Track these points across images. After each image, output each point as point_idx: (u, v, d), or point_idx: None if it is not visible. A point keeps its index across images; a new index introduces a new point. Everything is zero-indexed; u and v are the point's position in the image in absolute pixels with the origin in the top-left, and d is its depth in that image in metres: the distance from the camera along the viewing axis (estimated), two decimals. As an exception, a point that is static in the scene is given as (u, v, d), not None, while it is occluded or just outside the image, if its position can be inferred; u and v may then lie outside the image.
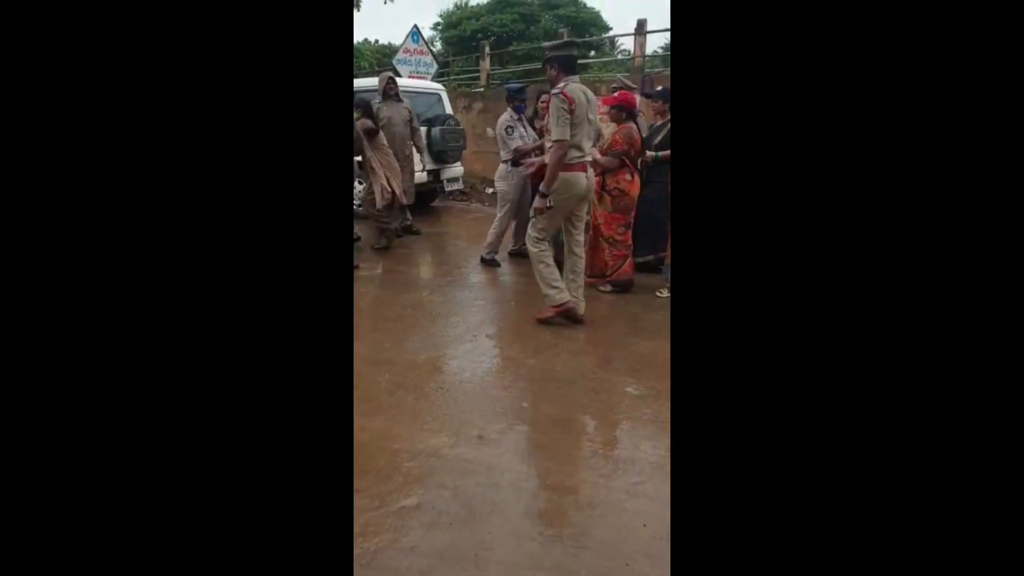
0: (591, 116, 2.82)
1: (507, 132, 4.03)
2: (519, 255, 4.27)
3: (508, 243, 4.47)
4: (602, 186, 3.50)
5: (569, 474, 1.82)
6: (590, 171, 2.95)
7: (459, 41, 20.15)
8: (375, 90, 4.84)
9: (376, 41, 20.97)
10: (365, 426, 2.04)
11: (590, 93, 2.85)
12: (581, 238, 3.08)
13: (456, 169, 6.10)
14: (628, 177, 3.46)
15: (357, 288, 3.67)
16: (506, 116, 4.09)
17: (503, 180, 4.11)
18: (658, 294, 3.57)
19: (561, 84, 2.75)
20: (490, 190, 7.64)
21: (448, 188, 6.12)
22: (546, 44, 3.30)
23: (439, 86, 6.46)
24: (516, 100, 4.06)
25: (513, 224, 4.33)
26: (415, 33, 6.94)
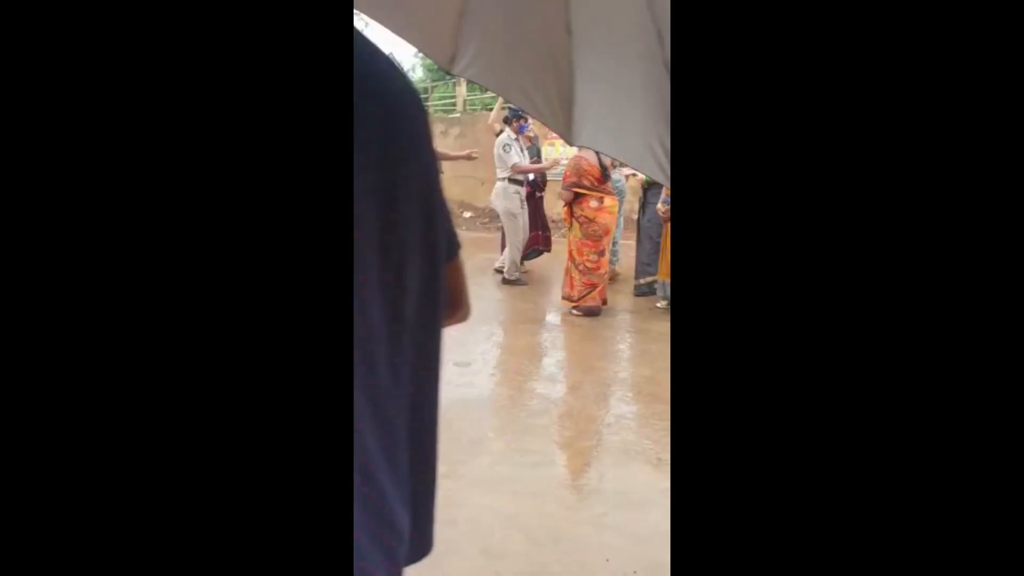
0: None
1: (504, 150, 4.10)
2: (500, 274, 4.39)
3: (491, 262, 4.45)
4: (571, 214, 3.54)
5: (532, 507, 1.77)
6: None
7: (439, 68, 20.38)
8: None
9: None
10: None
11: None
12: None
13: None
14: (594, 204, 3.47)
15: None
16: (504, 135, 4.17)
17: (501, 198, 4.16)
18: (658, 305, 3.58)
19: None
20: (468, 214, 7.66)
21: None
22: None
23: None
24: (517, 120, 4.16)
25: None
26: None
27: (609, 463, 2.01)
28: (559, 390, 2.59)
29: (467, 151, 4.38)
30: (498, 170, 4.19)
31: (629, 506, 1.75)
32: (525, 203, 4.25)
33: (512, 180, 4.14)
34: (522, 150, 4.25)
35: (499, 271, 4.43)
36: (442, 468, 1.87)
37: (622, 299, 3.84)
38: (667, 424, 2.26)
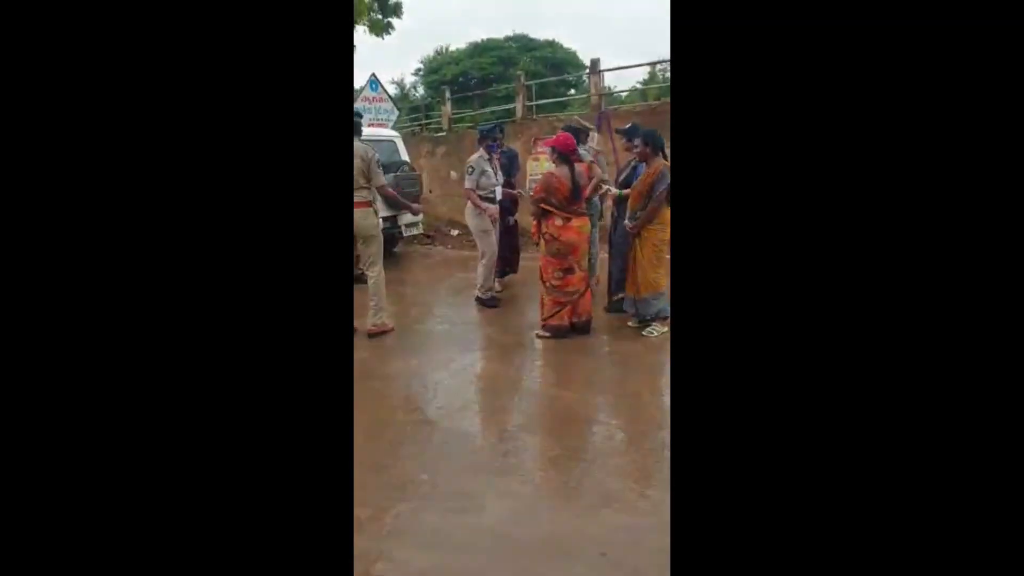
0: (366, 169, 3.40)
1: (468, 171, 4.06)
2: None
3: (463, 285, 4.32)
4: (539, 230, 3.42)
5: (453, 564, 1.61)
6: (366, 209, 3.43)
7: (439, 86, 20.62)
8: None
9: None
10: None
11: (359, 148, 3.38)
12: (372, 269, 3.56)
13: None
14: (558, 223, 3.33)
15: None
16: (475, 156, 4.12)
17: (475, 217, 4.08)
18: (645, 333, 3.39)
19: None
20: (455, 232, 7.57)
21: (407, 233, 6.05)
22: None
23: (395, 133, 6.47)
24: (488, 139, 4.13)
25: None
26: (374, 81, 7.00)
27: (543, 508, 1.84)
28: (508, 424, 2.43)
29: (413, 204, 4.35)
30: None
31: (559, 556, 1.59)
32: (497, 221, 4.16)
33: (484, 199, 4.06)
34: (496, 171, 4.16)
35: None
36: (363, 513, 1.71)
37: (595, 316, 3.67)
38: (614, 463, 2.09)
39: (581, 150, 3.78)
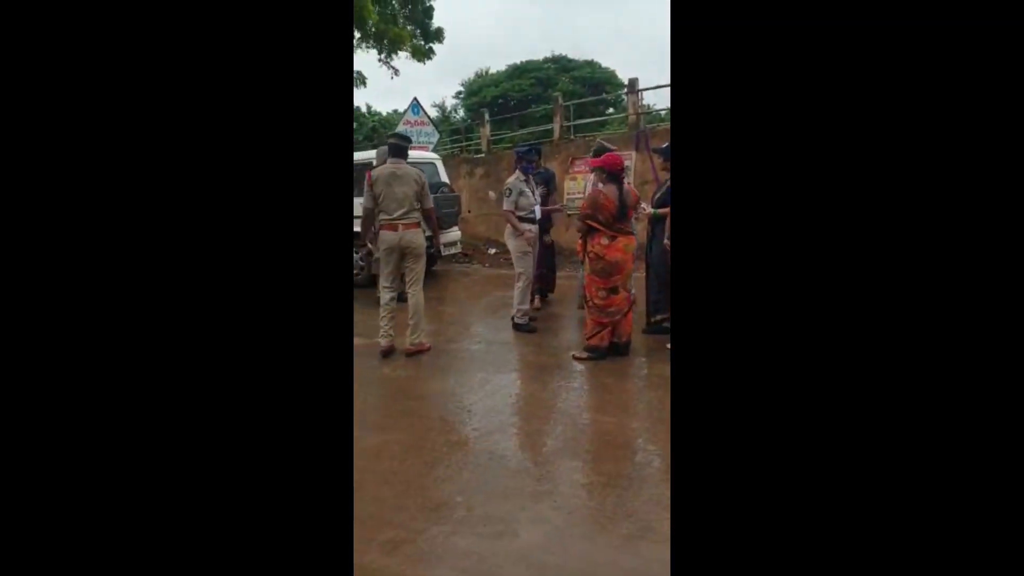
0: (398, 188, 3.48)
1: (505, 194, 4.05)
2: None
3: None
4: (584, 248, 3.43)
5: (479, 590, 1.59)
6: (401, 230, 3.51)
7: (479, 108, 21.02)
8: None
9: (394, 111, 21.97)
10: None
11: (401, 169, 3.51)
12: (414, 287, 3.66)
13: (453, 234, 6.16)
14: (604, 241, 3.32)
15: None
16: (512, 178, 4.12)
17: (514, 238, 4.07)
18: (668, 346, 3.39)
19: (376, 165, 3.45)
20: (492, 250, 7.64)
21: (445, 252, 6.14)
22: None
23: (435, 155, 6.63)
24: (524, 161, 4.12)
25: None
26: (415, 106, 7.20)
27: (577, 536, 1.80)
28: (543, 448, 2.40)
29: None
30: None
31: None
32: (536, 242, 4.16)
33: (523, 219, 4.05)
34: (533, 192, 4.15)
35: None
36: (396, 535, 1.70)
37: (634, 337, 3.61)
38: (651, 492, 2.03)
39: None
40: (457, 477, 2.19)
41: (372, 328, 4.09)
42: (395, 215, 3.50)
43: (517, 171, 4.16)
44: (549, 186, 4.70)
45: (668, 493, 1.99)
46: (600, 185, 3.42)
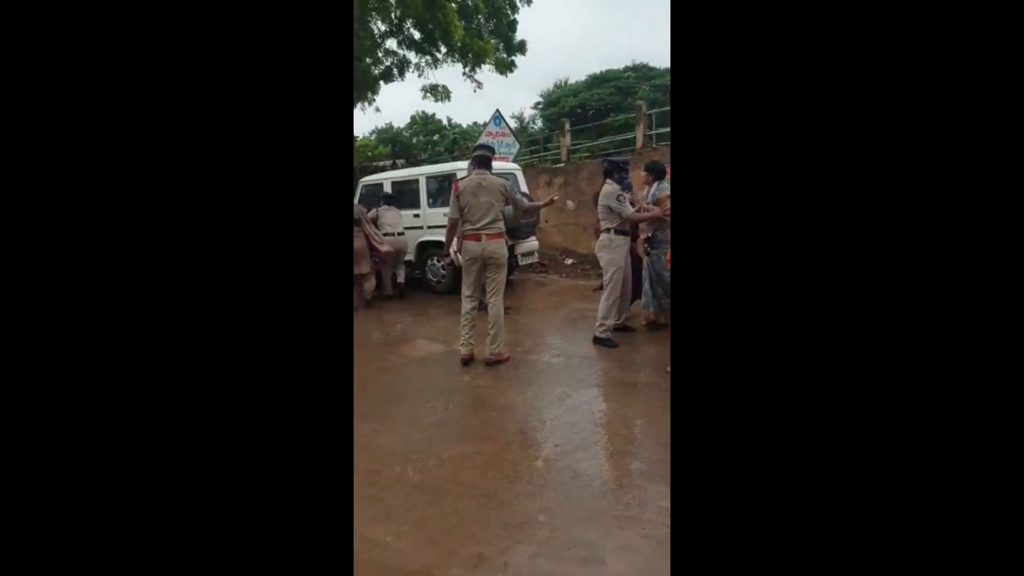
0: (483, 198, 3.55)
1: (619, 201, 3.88)
2: (621, 329, 4.20)
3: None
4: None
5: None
6: (484, 240, 3.55)
7: (558, 118, 21.07)
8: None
9: (474, 123, 22.46)
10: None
11: (487, 180, 3.60)
12: (494, 297, 3.66)
13: (530, 243, 6.16)
14: None
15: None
16: (612, 187, 3.95)
17: (606, 249, 3.98)
18: None
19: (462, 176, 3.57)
20: (569, 260, 7.55)
21: (522, 262, 6.15)
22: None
23: (515, 166, 6.67)
24: (620, 172, 4.03)
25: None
26: (497, 117, 7.30)
27: (667, 569, 1.69)
28: (628, 469, 2.30)
29: (549, 197, 4.55)
30: (603, 221, 4.00)
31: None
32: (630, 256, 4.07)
33: (619, 231, 3.93)
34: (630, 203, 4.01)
35: (617, 327, 4.16)
36: (477, 549, 1.69)
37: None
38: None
39: (663, 184, 4.02)
40: (539, 494, 2.14)
41: (453, 336, 4.14)
42: (479, 225, 3.54)
43: (608, 181, 3.97)
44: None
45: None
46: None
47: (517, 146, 7.84)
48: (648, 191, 4.18)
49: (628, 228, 3.98)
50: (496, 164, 6.65)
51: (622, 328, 4.24)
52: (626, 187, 4.13)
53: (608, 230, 3.96)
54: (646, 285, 4.21)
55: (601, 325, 4.00)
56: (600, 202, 4.01)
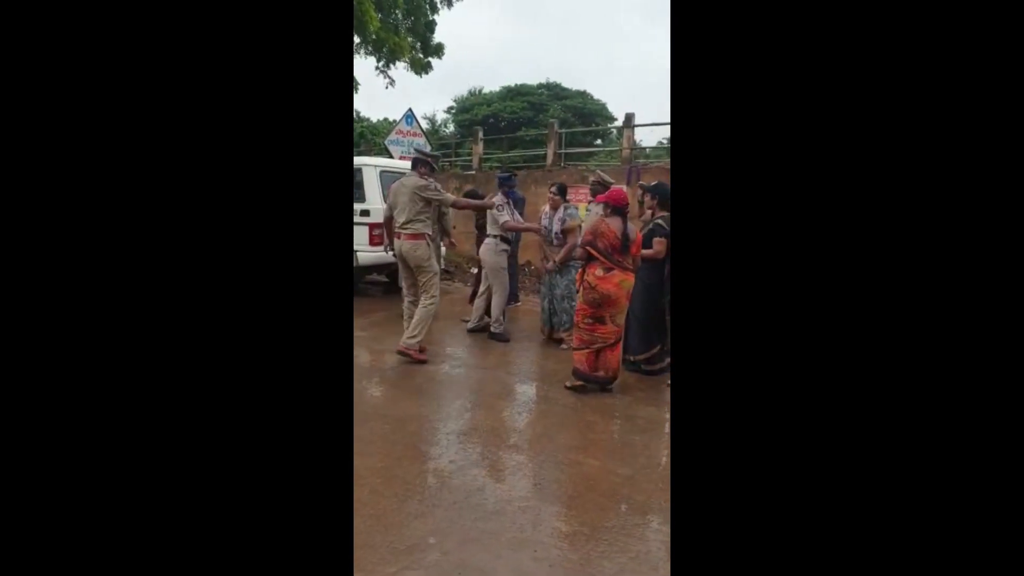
0: (402, 198, 3.74)
1: (498, 210, 4.39)
2: (480, 330, 4.63)
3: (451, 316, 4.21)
4: (581, 277, 3.43)
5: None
6: (402, 239, 3.75)
7: (470, 125, 21.08)
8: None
9: (385, 119, 21.82)
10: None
11: (407, 181, 3.78)
12: (424, 297, 3.85)
13: (373, 254, 5.97)
14: (599, 272, 3.26)
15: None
16: (498, 197, 4.47)
17: (492, 253, 4.44)
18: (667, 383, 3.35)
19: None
20: (475, 269, 7.52)
21: (361, 281, 6.04)
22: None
23: (426, 167, 6.50)
24: (506, 186, 4.53)
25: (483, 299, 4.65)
26: (410, 116, 7.11)
27: (560, 594, 1.67)
28: (524, 487, 2.27)
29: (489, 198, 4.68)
30: (489, 227, 4.51)
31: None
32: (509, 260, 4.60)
33: (502, 238, 4.45)
34: (513, 214, 4.49)
35: (465, 321, 4.77)
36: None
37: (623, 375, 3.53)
38: (637, 548, 1.92)
39: (571, 209, 4.31)
40: (431, 515, 2.04)
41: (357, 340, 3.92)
42: (399, 224, 3.75)
43: (500, 193, 4.50)
44: (520, 209, 5.06)
45: (656, 551, 1.89)
46: (605, 217, 3.40)
47: (428, 148, 7.68)
48: (555, 214, 4.28)
49: (510, 235, 4.51)
50: (407, 164, 6.48)
51: (481, 329, 4.65)
52: (516, 200, 4.64)
53: (494, 236, 4.45)
54: (544, 303, 4.54)
55: (496, 322, 4.46)
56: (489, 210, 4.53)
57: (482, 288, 4.69)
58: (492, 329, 4.48)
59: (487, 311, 4.58)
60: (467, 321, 4.79)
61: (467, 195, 4.66)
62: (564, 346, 4.17)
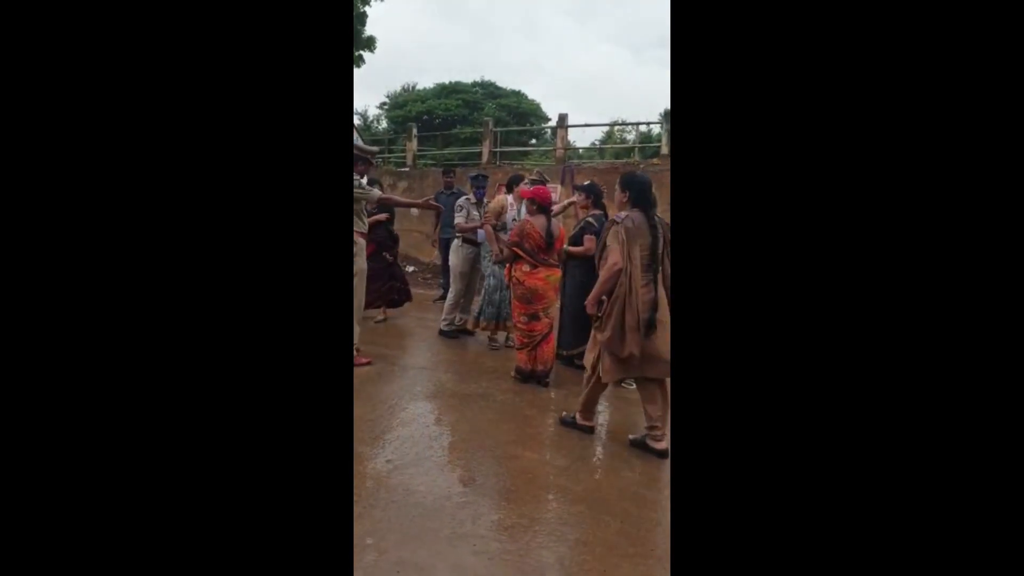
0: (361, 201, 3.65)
1: (456, 209, 4.39)
2: (461, 332, 4.54)
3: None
4: (509, 274, 3.48)
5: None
6: (359, 240, 3.56)
7: (404, 121, 20.68)
8: None
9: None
10: None
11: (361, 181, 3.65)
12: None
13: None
14: (525, 268, 3.37)
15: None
16: (464, 198, 4.43)
17: (457, 255, 4.40)
18: (625, 385, 3.37)
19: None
20: (411, 268, 7.41)
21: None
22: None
23: (358, 163, 6.33)
24: (476, 186, 4.43)
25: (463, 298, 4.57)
26: (341, 110, 6.88)
27: (499, 585, 1.69)
28: (462, 484, 2.27)
29: (425, 199, 4.50)
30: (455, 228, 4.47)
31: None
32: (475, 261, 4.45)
33: (466, 240, 4.35)
34: (479, 212, 4.37)
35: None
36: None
37: (560, 369, 3.60)
38: (575, 535, 1.97)
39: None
40: (368, 515, 2.00)
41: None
42: None
43: (470, 193, 4.44)
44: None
45: (592, 537, 1.94)
46: (529, 216, 3.45)
47: (361, 143, 7.48)
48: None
49: (472, 236, 4.35)
50: None
51: (461, 331, 4.56)
52: (479, 199, 4.44)
53: (458, 237, 4.39)
54: (485, 297, 4.36)
55: (445, 320, 4.49)
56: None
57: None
58: (442, 328, 4.48)
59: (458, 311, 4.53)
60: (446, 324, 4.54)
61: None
62: (508, 340, 4.15)
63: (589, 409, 2.78)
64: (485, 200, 4.46)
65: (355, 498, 2.10)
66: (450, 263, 4.51)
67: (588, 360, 2.69)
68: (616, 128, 16.09)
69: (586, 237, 3.64)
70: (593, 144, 17.62)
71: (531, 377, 3.44)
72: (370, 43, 10.32)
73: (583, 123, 10.87)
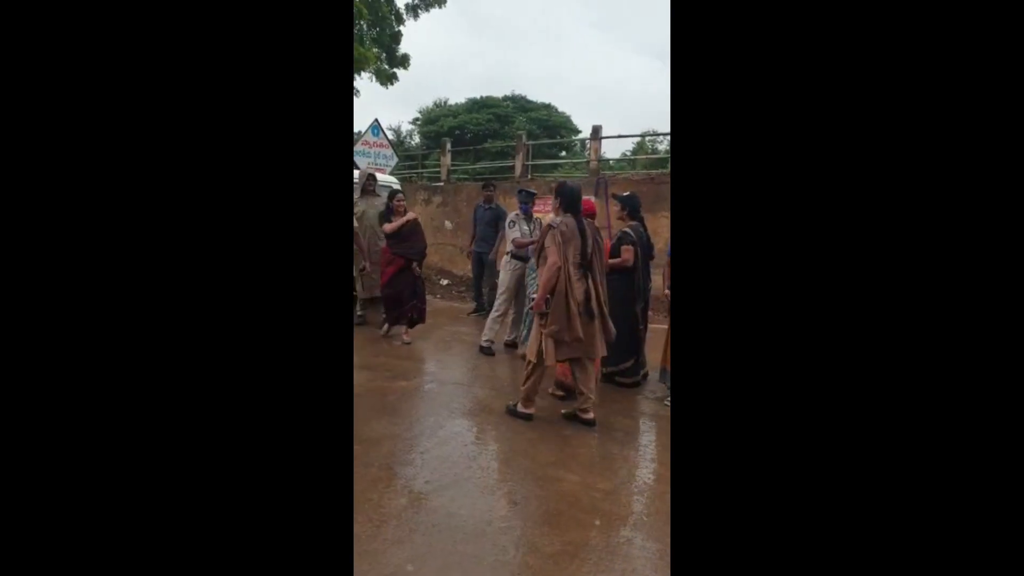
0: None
1: (508, 226, 4.32)
2: (513, 346, 4.52)
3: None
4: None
5: None
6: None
7: (436, 136, 20.98)
8: None
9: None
10: None
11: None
12: None
13: None
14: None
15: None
16: (513, 213, 4.40)
17: (504, 270, 4.35)
18: (667, 403, 3.32)
19: None
20: (445, 281, 7.43)
21: None
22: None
23: (394, 179, 6.42)
24: (522, 202, 4.38)
25: (512, 314, 4.50)
26: (375, 127, 6.99)
27: (546, 619, 1.61)
28: (503, 507, 2.21)
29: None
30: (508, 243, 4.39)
31: None
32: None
33: (515, 256, 4.29)
34: (531, 229, 4.32)
35: (508, 343, 4.58)
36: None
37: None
38: (621, 566, 1.88)
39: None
40: (408, 540, 1.95)
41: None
42: None
43: (519, 208, 4.37)
44: (499, 224, 4.98)
45: (642, 569, 1.85)
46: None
47: (396, 159, 7.58)
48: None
49: (523, 253, 4.24)
50: (386, 177, 6.39)
51: (512, 345, 4.56)
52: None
53: (508, 253, 4.33)
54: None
55: (485, 338, 4.37)
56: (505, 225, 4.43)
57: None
58: (482, 344, 4.38)
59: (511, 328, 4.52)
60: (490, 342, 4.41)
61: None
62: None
63: (530, 398, 3.05)
64: (534, 215, 4.44)
65: (396, 521, 2.06)
66: (499, 279, 4.45)
67: (531, 351, 2.97)
68: (647, 139, 15.94)
69: (623, 248, 3.56)
70: (624, 155, 17.49)
71: (573, 391, 3.34)
72: (404, 61, 10.52)
73: (616, 134, 10.81)
